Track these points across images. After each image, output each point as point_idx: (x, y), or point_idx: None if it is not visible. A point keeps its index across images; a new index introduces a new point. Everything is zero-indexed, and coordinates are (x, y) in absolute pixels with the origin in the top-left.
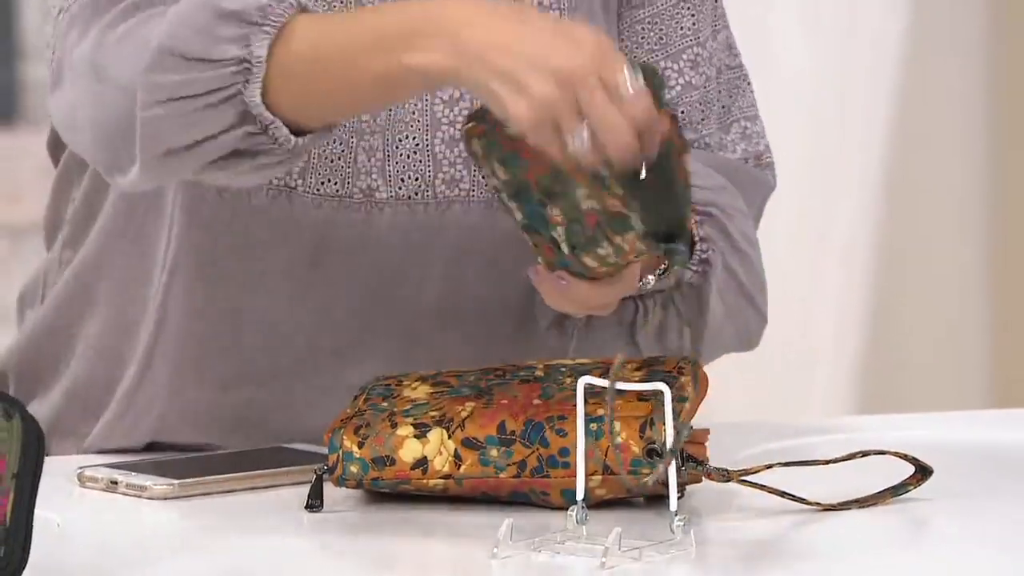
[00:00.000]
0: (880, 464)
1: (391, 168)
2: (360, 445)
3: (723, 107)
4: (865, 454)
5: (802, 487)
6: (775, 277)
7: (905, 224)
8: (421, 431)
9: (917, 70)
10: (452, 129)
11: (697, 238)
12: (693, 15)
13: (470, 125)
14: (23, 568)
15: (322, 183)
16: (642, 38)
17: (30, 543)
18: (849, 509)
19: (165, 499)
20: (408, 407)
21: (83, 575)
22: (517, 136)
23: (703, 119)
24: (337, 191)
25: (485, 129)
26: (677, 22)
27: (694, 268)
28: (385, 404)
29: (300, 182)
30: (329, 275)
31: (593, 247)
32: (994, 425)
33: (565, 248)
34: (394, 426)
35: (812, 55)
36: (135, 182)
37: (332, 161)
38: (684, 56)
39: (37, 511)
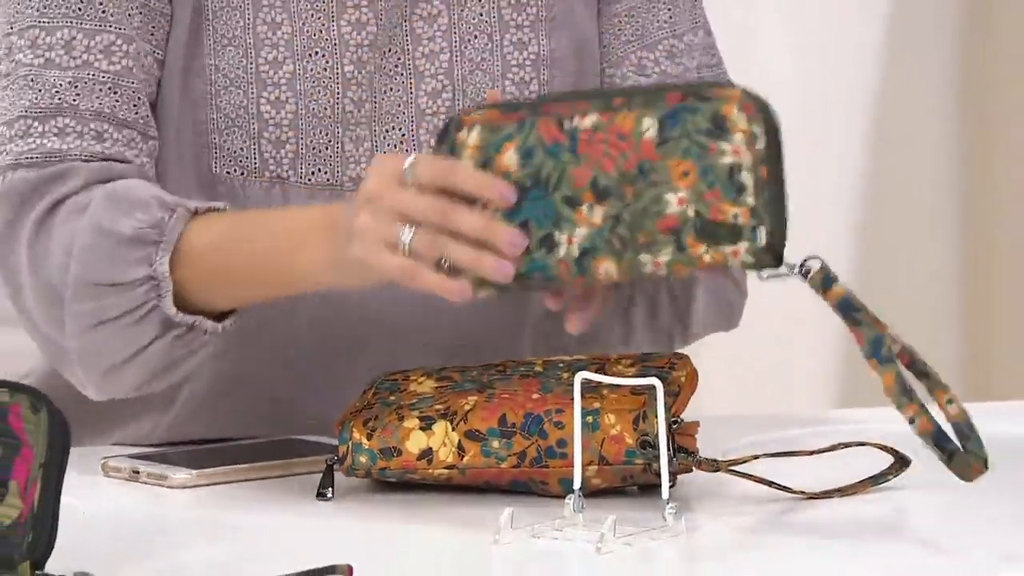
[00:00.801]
0: (861, 455)
1: None
2: (369, 437)
3: None
4: (847, 445)
5: (787, 477)
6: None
7: (883, 225)
8: (426, 423)
9: (894, 77)
10: (436, 120)
11: None
12: (670, 9)
13: (470, 114)
14: (50, 553)
15: (312, 173)
16: (619, 31)
17: (56, 529)
18: (832, 497)
19: (184, 488)
20: (414, 401)
21: (106, 560)
22: (569, 128)
23: None
24: (328, 180)
25: (496, 115)
26: (654, 15)
27: None
28: (392, 398)
29: (291, 173)
30: None
31: (638, 253)
32: None
33: (563, 251)
34: (401, 419)
35: (794, 62)
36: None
37: (320, 152)
38: (660, 47)
39: (63, 499)
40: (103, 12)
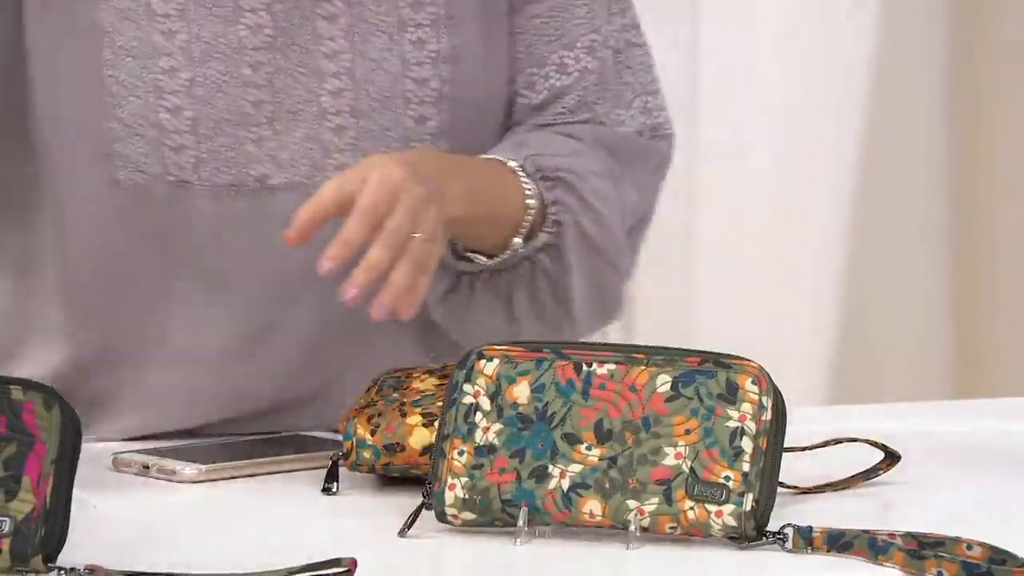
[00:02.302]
0: (852, 451)
1: (283, 156)
2: (373, 433)
3: (625, 83)
4: (838, 441)
5: (781, 472)
6: (753, 279)
7: (875, 226)
8: (429, 420)
9: (885, 84)
10: (339, 118)
11: (548, 202)
12: (587, 4)
13: (494, 346)
14: (62, 546)
15: (215, 175)
16: (541, 31)
17: (68, 523)
18: (824, 492)
19: (193, 482)
20: (417, 398)
21: (118, 552)
22: (585, 373)
23: (599, 99)
24: (231, 182)
25: (519, 351)
26: (571, 13)
27: (548, 231)
28: (396, 395)
29: (194, 176)
30: (231, 263)
31: (626, 498)
32: (955, 414)
33: (553, 483)
34: (404, 415)
35: (785, 71)
36: None
37: (221, 154)
38: (579, 44)
39: (75, 493)
40: None
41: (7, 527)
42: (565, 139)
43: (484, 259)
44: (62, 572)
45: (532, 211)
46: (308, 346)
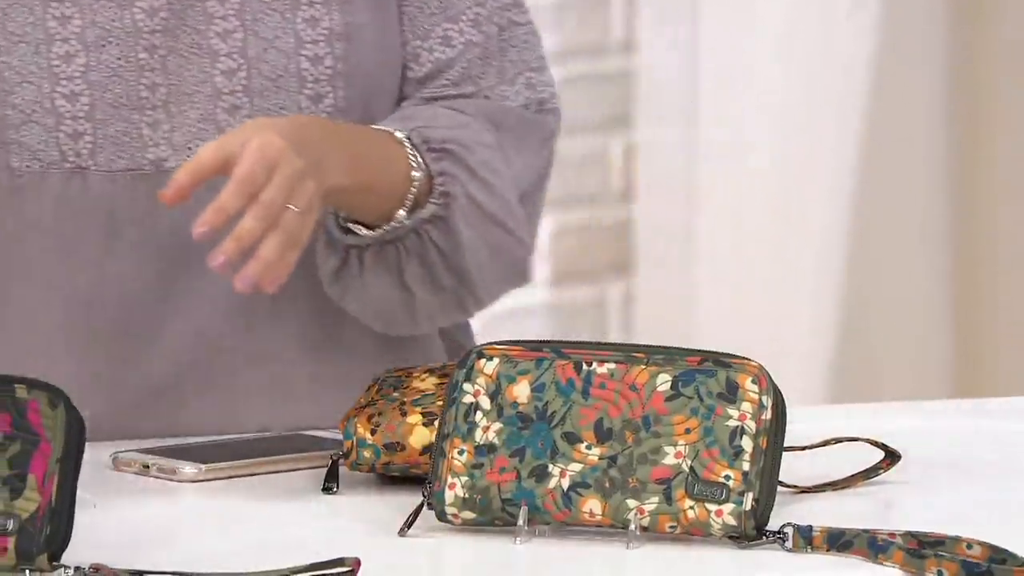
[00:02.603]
0: (852, 450)
1: (178, 139)
2: (373, 432)
3: (510, 61)
4: (838, 440)
5: (781, 471)
6: (753, 279)
7: (875, 225)
8: (429, 419)
9: (883, 90)
10: (233, 99)
11: (435, 174)
12: None
13: (494, 346)
14: (67, 545)
15: (112, 160)
16: (425, 4)
17: (73, 522)
18: (824, 491)
19: (193, 482)
20: (417, 397)
21: (118, 551)
22: (585, 372)
23: (483, 73)
24: (128, 167)
25: (518, 350)
26: None
27: (435, 202)
28: (396, 394)
29: (91, 163)
30: (127, 247)
31: (625, 497)
32: (955, 413)
33: (553, 483)
34: (404, 414)
35: (785, 70)
36: None
37: (118, 139)
38: (464, 17)
39: (76, 493)
40: None
41: (12, 526)
42: (452, 112)
43: (367, 231)
44: (67, 571)
45: (417, 182)
46: (205, 329)
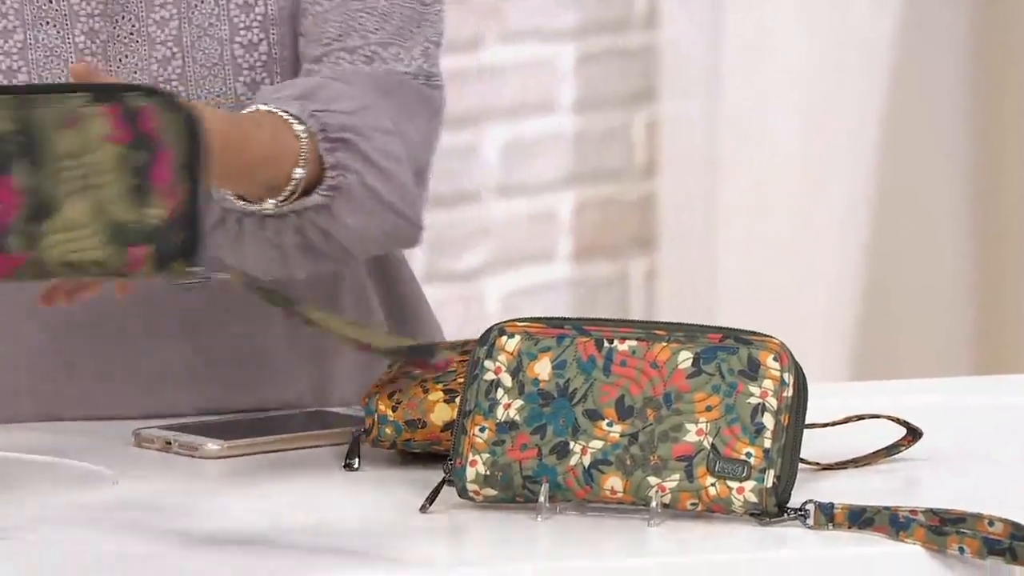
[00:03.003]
0: (874, 427)
1: None
2: (394, 409)
3: (409, 31)
4: (860, 418)
5: (802, 448)
6: (777, 252)
7: (897, 205)
8: (451, 396)
9: (906, 65)
10: (169, 87)
11: (327, 165)
12: None
13: (515, 323)
14: (199, 250)
15: None
16: None
17: (203, 228)
18: (846, 468)
19: (215, 458)
20: (438, 374)
21: (140, 527)
22: (607, 349)
23: (377, 30)
24: None
25: (540, 327)
26: None
27: (324, 193)
28: (417, 371)
29: None
30: None
31: (647, 474)
32: (978, 390)
33: (575, 460)
34: (425, 391)
35: (807, 57)
36: None
37: None
38: None
39: (96, 468)
40: None
41: (144, 235)
42: (348, 88)
43: (239, 202)
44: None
45: (296, 181)
46: (146, 318)
